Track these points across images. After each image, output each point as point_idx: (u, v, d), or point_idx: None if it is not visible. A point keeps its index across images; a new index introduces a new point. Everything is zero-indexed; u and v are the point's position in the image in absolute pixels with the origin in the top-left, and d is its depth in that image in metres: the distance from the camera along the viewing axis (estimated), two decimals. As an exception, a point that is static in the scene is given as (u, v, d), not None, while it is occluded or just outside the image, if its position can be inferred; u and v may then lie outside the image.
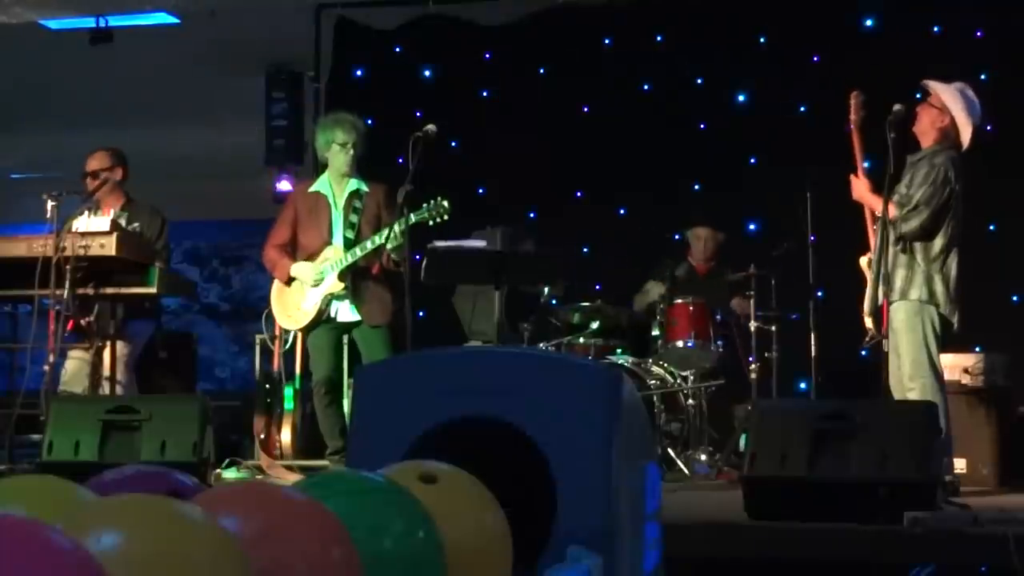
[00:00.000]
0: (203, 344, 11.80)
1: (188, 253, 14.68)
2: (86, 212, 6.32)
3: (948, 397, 5.86)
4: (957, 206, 5.83)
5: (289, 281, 6.55)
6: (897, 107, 5.82)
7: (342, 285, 6.40)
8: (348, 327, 6.53)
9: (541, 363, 3.06)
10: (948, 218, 5.81)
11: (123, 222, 6.59)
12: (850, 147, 5.97)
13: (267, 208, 9.23)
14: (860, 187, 5.92)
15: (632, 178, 8.93)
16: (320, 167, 6.82)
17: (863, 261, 6.03)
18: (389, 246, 6.19)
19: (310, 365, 6.70)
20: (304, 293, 6.48)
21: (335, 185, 6.58)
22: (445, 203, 6.19)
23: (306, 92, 10.08)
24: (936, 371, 5.76)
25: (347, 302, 6.45)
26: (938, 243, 5.80)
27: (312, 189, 6.65)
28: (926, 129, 5.94)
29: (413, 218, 6.14)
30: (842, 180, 6.01)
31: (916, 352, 5.73)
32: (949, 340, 5.98)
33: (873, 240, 5.87)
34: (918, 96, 6.01)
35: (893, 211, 5.72)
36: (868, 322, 5.76)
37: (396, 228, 6.09)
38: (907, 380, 5.70)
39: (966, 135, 5.89)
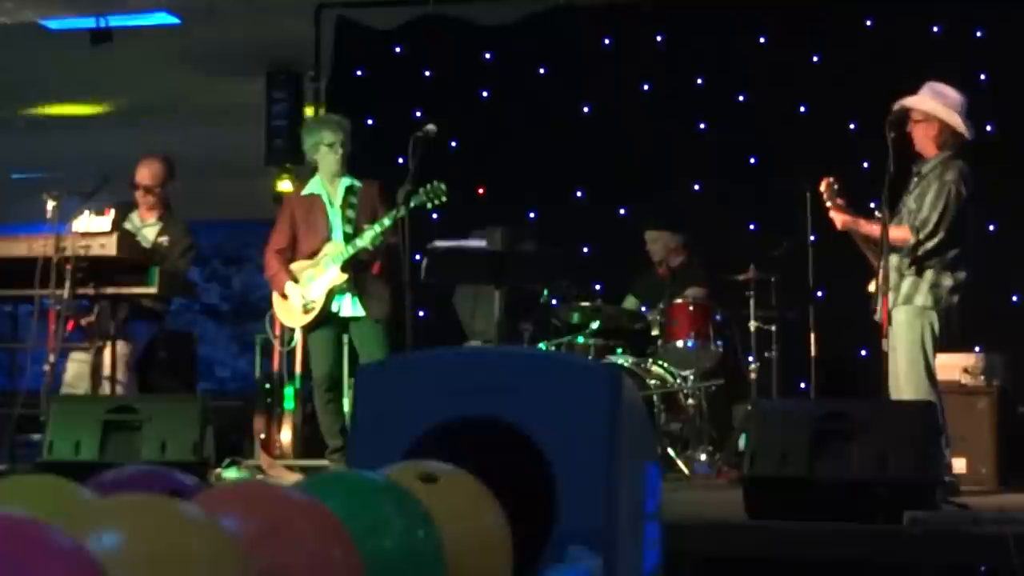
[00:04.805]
0: (203, 344, 11.80)
1: (188, 253, 14.65)
2: (86, 212, 6.33)
3: (948, 397, 5.86)
4: (969, 214, 5.82)
5: (295, 280, 6.55)
6: (897, 107, 5.82)
7: (345, 277, 6.42)
8: (348, 323, 6.55)
9: (541, 363, 3.06)
10: (961, 228, 5.80)
11: (153, 233, 6.73)
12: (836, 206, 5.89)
13: (267, 208, 9.23)
14: (841, 219, 5.86)
15: (632, 178, 8.91)
16: (311, 170, 6.84)
17: (873, 289, 5.96)
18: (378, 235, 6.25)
19: (311, 363, 6.71)
20: (308, 287, 6.48)
21: (328, 185, 6.60)
22: (443, 186, 6.24)
23: (306, 92, 10.08)
24: (931, 373, 5.76)
25: (349, 296, 6.47)
26: (952, 250, 5.79)
27: (306, 192, 6.68)
28: (924, 143, 5.91)
29: (412, 202, 6.18)
30: (842, 180, 5.99)
31: (913, 354, 5.74)
32: (953, 332, 5.96)
33: (875, 263, 5.81)
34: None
35: (906, 233, 5.71)
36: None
37: (397, 214, 6.13)
38: (903, 382, 5.71)
39: (956, 123, 5.84)
